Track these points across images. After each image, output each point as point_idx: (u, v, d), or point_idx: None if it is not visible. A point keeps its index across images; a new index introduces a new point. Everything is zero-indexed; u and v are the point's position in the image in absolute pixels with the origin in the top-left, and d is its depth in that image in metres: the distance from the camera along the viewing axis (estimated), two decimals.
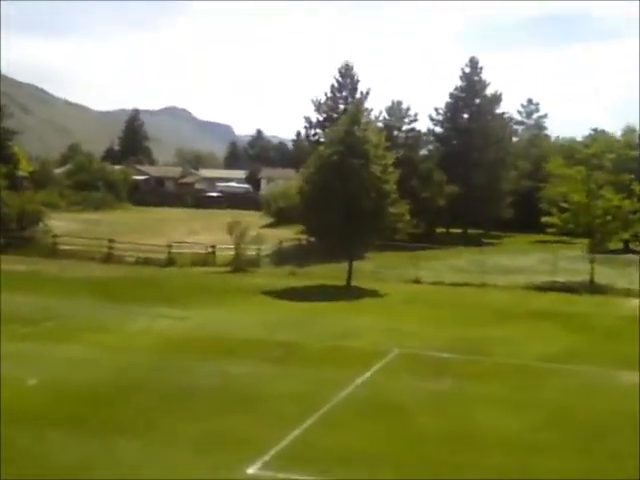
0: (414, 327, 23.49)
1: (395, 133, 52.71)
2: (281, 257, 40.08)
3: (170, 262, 37.71)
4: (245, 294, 29.59)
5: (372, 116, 48.43)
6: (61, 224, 64.80)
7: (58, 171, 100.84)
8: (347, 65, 48.78)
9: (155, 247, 39.37)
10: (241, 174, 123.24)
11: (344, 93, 49.30)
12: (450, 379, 17.57)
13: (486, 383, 17.34)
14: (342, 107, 49.09)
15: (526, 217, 57.17)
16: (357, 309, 27.10)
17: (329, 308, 27.05)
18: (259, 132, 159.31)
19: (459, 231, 60.02)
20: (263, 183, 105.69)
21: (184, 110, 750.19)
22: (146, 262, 37.77)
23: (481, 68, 58.44)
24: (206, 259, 38.47)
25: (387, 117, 54.56)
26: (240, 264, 36.90)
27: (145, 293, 29.08)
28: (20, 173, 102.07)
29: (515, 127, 76.72)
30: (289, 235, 59.03)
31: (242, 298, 28.60)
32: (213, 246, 39.03)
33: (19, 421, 13.49)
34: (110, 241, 38.91)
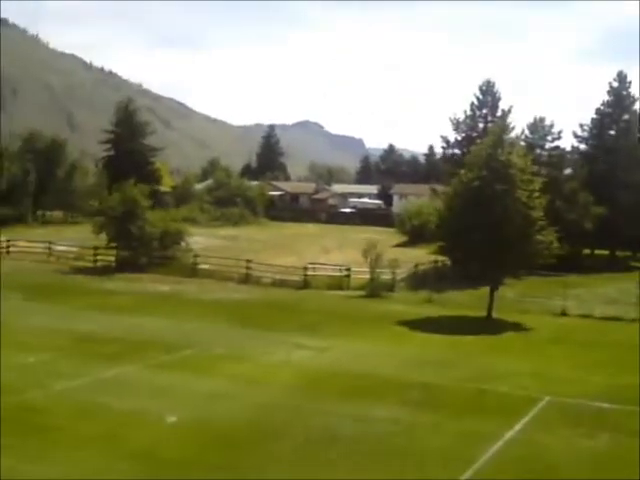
0: (564, 371, 21.88)
1: (538, 151, 50.47)
2: (416, 281, 39.07)
3: (305, 284, 37.62)
4: (381, 323, 28.85)
5: (514, 134, 46.67)
6: (201, 240, 66.83)
7: (198, 187, 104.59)
8: (488, 82, 47.10)
9: (291, 269, 39.47)
10: (373, 189, 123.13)
11: (484, 111, 47.60)
12: (608, 434, 16.11)
13: None
14: (482, 126, 47.49)
15: None
16: (500, 346, 25.70)
17: (469, 343, 25.81)
18: (391, 147, 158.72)
19: (605, 252, 56.72)
20: (395, 199, 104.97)
21: (317, 124, 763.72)
22: (282, 284, 37.86)
23: (630, 82, 55.03)
24: (341, 282, 38.09)
25: (529, 135, 52.41)
26: (375, 289, 36.25)
27: (283, 319, 28.98)
28: (162, 189, 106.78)
29: None
30: (423, 255, 57.84)
31: (379, 328, 27.88)
32: (348, 269, 38.59)
33: (157, 466, 13.39)
34: (248, 261, 39.33)
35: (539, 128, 51.20)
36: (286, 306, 32.05)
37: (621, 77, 55.05)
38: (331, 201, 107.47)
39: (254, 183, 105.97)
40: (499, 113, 47.99)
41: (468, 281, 35.98)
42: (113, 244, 41.87)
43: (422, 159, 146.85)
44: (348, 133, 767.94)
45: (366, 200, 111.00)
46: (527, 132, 52.40)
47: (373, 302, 34.45)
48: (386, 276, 37.91)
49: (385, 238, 73.74)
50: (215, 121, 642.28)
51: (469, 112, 48.48)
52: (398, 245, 66.24)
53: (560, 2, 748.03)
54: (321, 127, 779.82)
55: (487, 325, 29.67)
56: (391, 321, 29.25)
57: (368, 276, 37.45)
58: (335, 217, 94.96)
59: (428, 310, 32.40)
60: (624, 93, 55.08)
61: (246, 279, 38.62)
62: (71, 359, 21.44)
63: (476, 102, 48.08)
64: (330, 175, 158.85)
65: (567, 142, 57.56)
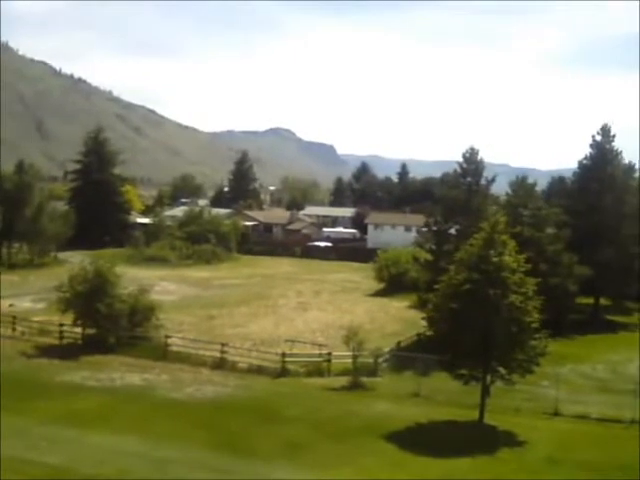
0: None
1: (519, 210, 49.13)
2: (400, 362, 37.32)
3: (283, 372, 35.68)
4: (369, 440, 26.90)
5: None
6: (172, 287, 64.74)
7: (169, 213, 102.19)
8: (472, 150, 45.63)
9: (268, 349, 37.74)
10: (347, 212, 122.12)
11: (468, 179, 46.11)
12: None
13: None
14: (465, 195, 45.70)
15: None
16: (498, 475, 24.05)
17: (466, 474, 24.10)
18: (364, 165, 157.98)
19: (588, 300, 55.56)
20: (370, 229, 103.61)
21: (288, 130, 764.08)
22: (259, 370, 35.91)
23: (613, 136, 54.02)
24: (320, 368, 36.29)
25: (510, 192, 51.16)
26: (357, 377, 34.49)
27: (263, 434, 27.04)
28: (132, 218, 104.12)
29: None
30: (403, 309, 56.42)
31: (367, 450, 25.98)
32: (329, 353, 36.82)
33: None
34: (223, 345, 37.31)
35: (521, 187, 49.90)
36: (265, 412, 29.90)
37: (605, 131, 53.99)
38: (305, 231, 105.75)
39: (227, 211, 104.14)
40: (483, 181, 46.60)
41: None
42: (79, 321, 39.46)
43: (395, 174, 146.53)
44: (319, 140, 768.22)
45: (340, 229, 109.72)
46: (509, 189, 51.24)
47: (356, 398, 32.52)
48: (369, 359, 36.28)
49: (362, 280, 72.35)
50: (186, 128, 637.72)
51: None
52: (376, 294, 64.71)
53: None
54: (292, 133, 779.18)
55: (480, 437, 27.99)
56: (379, 434, 27.42)
57: (349, 360, 35.80)
58: (310, 251, 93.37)
59: (416, 411, 30.65)
60: (607, 147, 54.06)
61: (220, 364, 36.52)
62: None
63: (459, 170, 46.52)
64: (304, 196, 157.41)
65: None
